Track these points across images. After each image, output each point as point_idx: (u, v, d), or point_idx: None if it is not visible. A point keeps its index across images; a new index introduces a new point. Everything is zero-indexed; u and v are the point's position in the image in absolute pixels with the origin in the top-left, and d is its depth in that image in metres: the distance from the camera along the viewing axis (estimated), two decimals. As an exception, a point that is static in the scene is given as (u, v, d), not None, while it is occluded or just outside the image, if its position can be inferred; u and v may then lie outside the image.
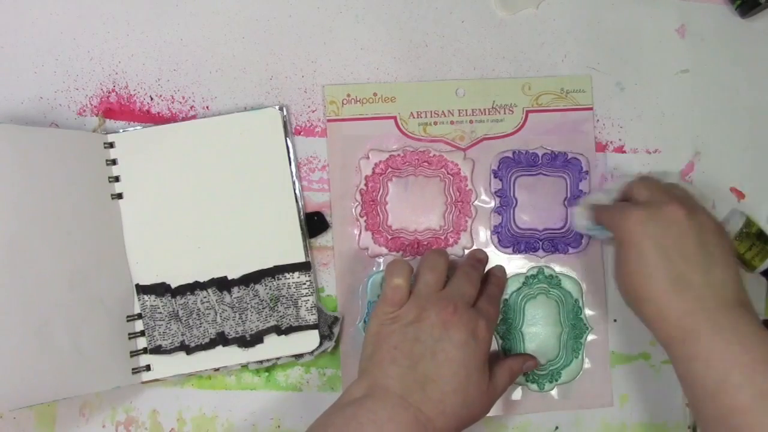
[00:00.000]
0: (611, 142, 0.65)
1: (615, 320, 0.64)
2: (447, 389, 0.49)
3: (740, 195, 0.66)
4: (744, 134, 0.66)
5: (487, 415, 0.62)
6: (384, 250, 0.62)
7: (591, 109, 0.65)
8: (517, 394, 0.62)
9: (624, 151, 0.65)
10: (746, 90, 0.66)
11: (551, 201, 0.63)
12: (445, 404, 0.49)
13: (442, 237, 0.62)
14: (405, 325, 0.52)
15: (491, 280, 0.58)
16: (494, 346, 0.62)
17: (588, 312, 0.63)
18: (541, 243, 0.63)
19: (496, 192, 0.63)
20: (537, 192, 0.63)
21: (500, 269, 0.61)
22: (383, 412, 0.48)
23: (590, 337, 0.63)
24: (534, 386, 0.62)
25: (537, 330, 0.63)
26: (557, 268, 0.63)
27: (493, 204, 0.63)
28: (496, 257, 0.63)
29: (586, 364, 0.63)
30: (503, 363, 0.56)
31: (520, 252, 0.63)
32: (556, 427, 0.63)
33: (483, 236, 0.63)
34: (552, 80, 0.64)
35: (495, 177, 0.63)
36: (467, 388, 0.50)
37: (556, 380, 0.62)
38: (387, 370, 0.50)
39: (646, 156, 0.65)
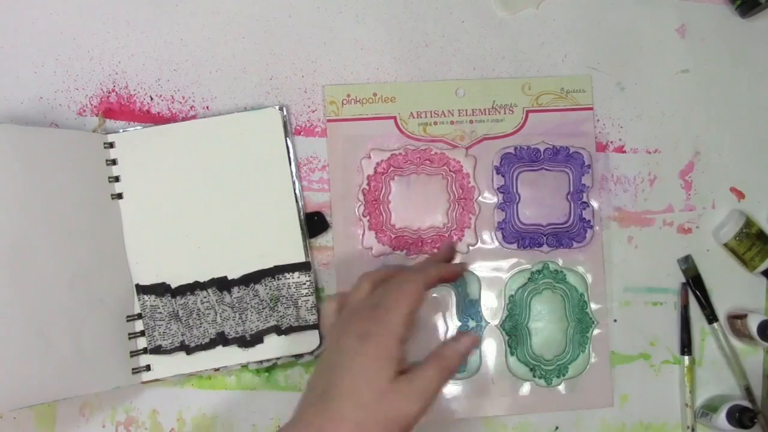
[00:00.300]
0: (611, 142, 0.65)
1: (615, 320, 0.64)
2: (333, 394, 0.48)
3: (740, 195, 0.66)
4: (744, 134, 0.66)
5: (488, 414, 0.62)
6: (388, 249, 0.62)
7: (591, 109, 0.65)
8: (525, 389, 0.62)
9: (624, 151, 0.65)
10: (746, 90, 0.67)
11: (554, 196, 0.64)
12: (333, 412, 0.47)
13: (446, 234, 0.62)
14: (325, 349, 0.52)
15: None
16: (501, 343, 0.63)
17: (593, 306, 0.63)
18: (545, 238, 0.63)
19: (498, 188, 0.63)
20: (540, 187, 0.63)
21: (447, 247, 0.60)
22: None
23: (596, 332, 0.63)
24: (542, 381, 0.62)
25: (543, 325, 0.63)
26: (562, 263, 0.63)
27: (496, 200, 0.63)
28: (502, 253, 0.63)
29: (593, 359, 0.63)
30: (431, 353, 0.51)
31: (524, 247, 0.63)
32: (556, 427, 0.63)
33: (487, 233, 0.63)
34: (552, 80, 0.64)
35: (497, 173, 0.63)
36: (355, 390, 0.48)
37: (564, 375, 0.62)
38: (302, 398, 0.50)
39: (646, 156, 0.65)
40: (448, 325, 0.62)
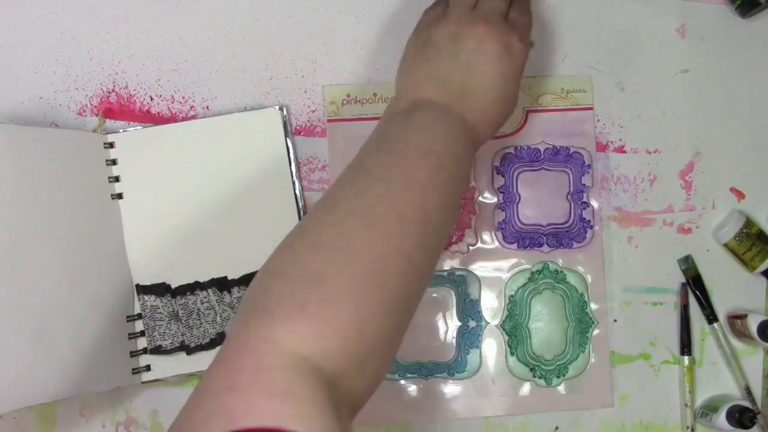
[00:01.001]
0: (611, 142, 0.65)
1: (615, 320, 0.64)
2: (487, 100, 0.50)
3: (740, 195, 0.66)
4: (744, 134, 0.66)
5: (488, 414, 0.62)
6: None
7: (591, 108, 0.65)
8: (525, 389, 0.62)
9: (624, 151, 0.65)
10: (746, 90, 0.67)
11: (554, 196, 0.64)
12: (487, 114, 0.51)
13: (445, 235, 0.62)
14: (441, 40, 0.51)
15: None
16: (501, 343, 0.63)
17: (593, 306, 0.63)
18: (545, 238, 0.63)
19: (498, 188, 0.63)
20: (540, 187, 0.63)
21: None
22: (432, 116, 0.49)
23: (596, 332, 0.63)
24: (542, 381, 0.62)
25: (543, 325, 0.63)
26: (562, 263, 0.63)
27: (496, 200, 0.63)
28: (502, 253, 0.63)
29: (592, 359, 0.63)
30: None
31: (525, 247, 0.63)
32: (556, 427, 0.63)
33: (487, 233, 0.63)
34: (552, 80, 0.64)
35: (497, 173, 0.63)
36: (506, 99, 0.51)
37: (564, 375, 0.62)
38: (425, 86, 0.51)
39: (646, 156, 0.65)
40: (448, 325, 0.63)
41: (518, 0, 0.55)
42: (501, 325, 0.63)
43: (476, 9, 0.53)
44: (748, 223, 0.64)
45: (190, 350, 0.59)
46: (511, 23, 0.53)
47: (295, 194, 0.61)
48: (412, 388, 0.62)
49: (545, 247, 0.63)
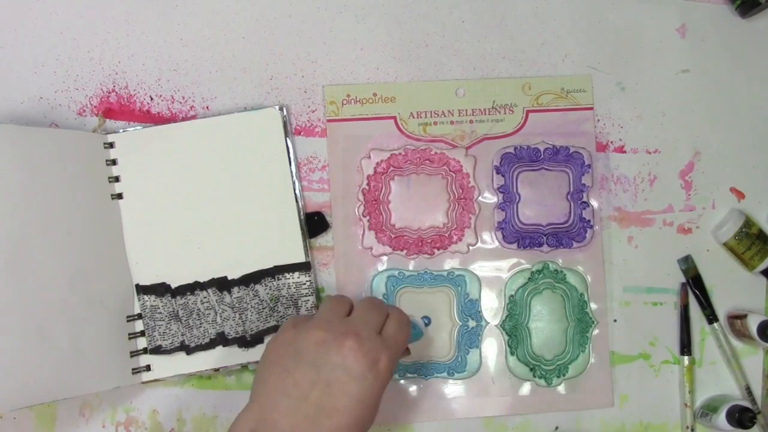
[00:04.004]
0: (611, 142, 0.65)
1: (615, 320, 0.64)
2: (342, 423, 0.47)
3: (740, 195, 0.66)
4: (744, 134, 0.66)
5: (488, 414, 0.62)
6: (388, 249, 0.62)
7: (591, 108, 0.65)
8: (525, 389, 0.62)
9: (624, 151, 0.65)
10: (746, 90, 0.67)
11: (554, 195, 0.64)
12: (329, 429, 0.47)
13: (446, 234, 0.62)
14: (304, 348, 0.49)
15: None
16: (501, 343, 0.63)
17: (593, 306, 0.63)
18: (545, 238, 0.63)
19: (498, 188, 0.63)
20: (540, 187, 0.63)
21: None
22: None
23: (596, 332, 0.63)
24: (542, 381, 0.62)
25: (543, 325, 0.63)
26: (562, 263, 0.63)
27: (496, 200, 0.63)
28: (502, 253, 0.63)
29: (592, 359, 0.63)
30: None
31: (524, 247, 0.63)
32: (556, 427, 0.63)
33: (487, 233, 0.63)
34: (552, 80, 0.64)
35: (497, 173, 0.63)
36: (362, 423, 0.48)
37: (564, 375, 0.62)
38: (277, 402, 0.47)
39: (646, 156, 0.65)
40: (448, 324, 0.62)
41: (396, 313, 0.53)
42: (501, 325, 0.63)
43: (349, 319, 0.51)
44: (748, 222, 0.64)
45: (190, 350, 0.59)
46: (385, 338, 0.50)
47: (295, 194, 0.61)
48: (412, 388, 0.62)
49: (545, 247, 0.63)
